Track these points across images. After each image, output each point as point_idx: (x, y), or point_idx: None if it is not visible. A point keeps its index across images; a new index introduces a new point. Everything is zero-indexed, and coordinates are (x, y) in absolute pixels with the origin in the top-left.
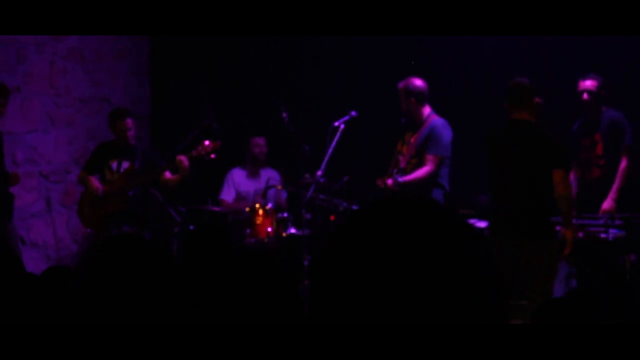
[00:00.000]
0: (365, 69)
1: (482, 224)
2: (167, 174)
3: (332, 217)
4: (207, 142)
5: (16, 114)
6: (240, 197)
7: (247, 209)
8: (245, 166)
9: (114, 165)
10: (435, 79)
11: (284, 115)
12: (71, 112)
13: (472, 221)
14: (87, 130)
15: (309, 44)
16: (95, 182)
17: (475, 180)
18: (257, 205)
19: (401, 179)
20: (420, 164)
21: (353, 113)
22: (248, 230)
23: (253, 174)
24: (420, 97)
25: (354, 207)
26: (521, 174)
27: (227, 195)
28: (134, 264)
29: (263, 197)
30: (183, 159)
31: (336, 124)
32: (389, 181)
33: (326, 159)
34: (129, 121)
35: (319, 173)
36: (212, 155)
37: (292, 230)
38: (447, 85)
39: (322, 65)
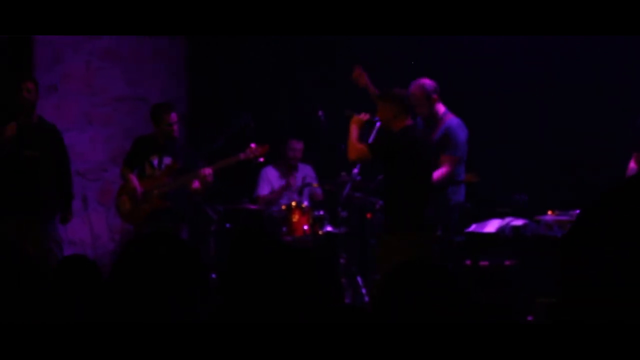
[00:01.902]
0: (399, 66)
1: (518, 222)
2: (196, 183)
3: (368, 215)
4: (253, 145)
5: (53, 113)
6: (274, 194)
7: (283, 207)
8: (278, 165)
9: (155, 161)
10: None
11: (320, 113)
12: (108, 111)
13: (508, 219)
14: (123, 129)
15: (344, 42)
16: (135, 181)
17: (506, 178)
18: (293, 203)
19: None
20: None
21: None
22: (284, 228)
23: (285, 174)
24: (438, 94)
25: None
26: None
27: (264, 191)
28: (162, 260)
29: (299, 194)
30: (207, 172)
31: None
32: None
33: None
34: (174, 115)
35: (355, 171)
36: (261, 159)
37: (329, 228)
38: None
39: (358, 63)
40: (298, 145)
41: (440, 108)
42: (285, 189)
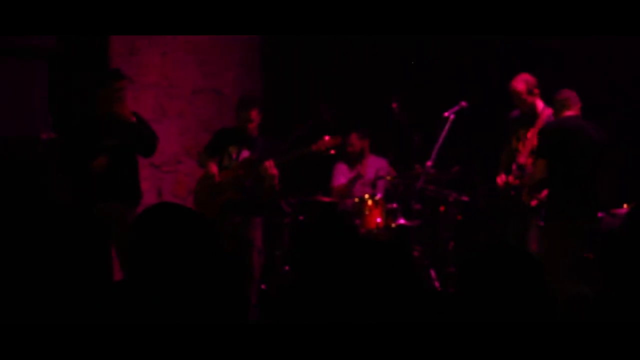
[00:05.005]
0: (475, 60)
1: None
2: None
3: (442, 208)
4: (327, 138)
5: (129, 105)
6: (347, 186)
7: (356, 200)
8: (347, 160)
9: (234, 153)
10: None
11: (394, 105)
12: (182, 104)
13: None
14: (198, 122)
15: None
16: (214, 169)
17: None
18: (366, 196)
19: None
20: None
21: (463, 103)
22: (357, 221)
23: (353, 168)
24: (539, 89)
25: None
26: None
27: (339, 182)
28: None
29: (372, 187)
30: (268, 164)
31: (446, 114)
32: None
33: (436, 149)
34: (254, 112)
35: (429, 164)
36: (332, 151)
37: (402, 221)
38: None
39: (433, 55)
40: (357, 140)
41: (539, 104)
42: (357, 179)
